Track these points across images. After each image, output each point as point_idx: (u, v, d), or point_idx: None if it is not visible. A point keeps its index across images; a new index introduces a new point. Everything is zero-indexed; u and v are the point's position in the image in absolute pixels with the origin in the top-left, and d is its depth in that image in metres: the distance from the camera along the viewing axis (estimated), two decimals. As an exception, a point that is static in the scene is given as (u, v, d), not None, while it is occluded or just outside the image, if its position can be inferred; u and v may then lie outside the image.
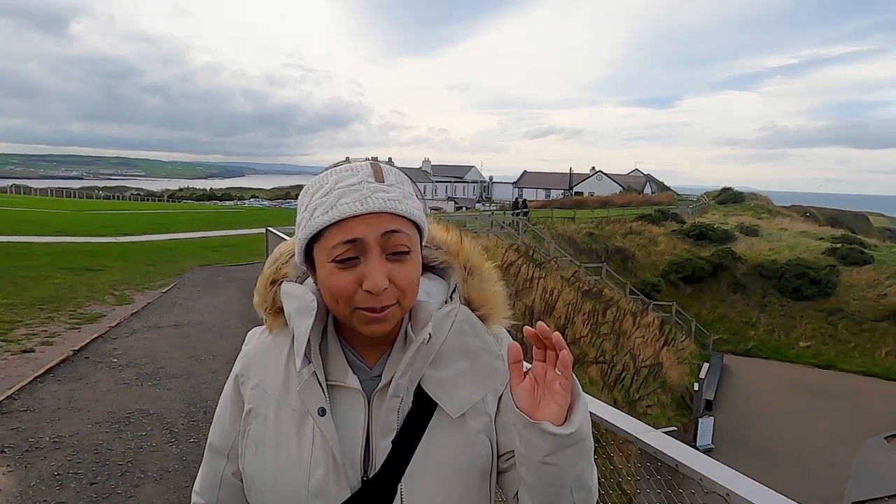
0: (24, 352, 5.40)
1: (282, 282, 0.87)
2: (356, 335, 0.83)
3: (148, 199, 59.15)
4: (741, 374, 20.46)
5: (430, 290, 0.86)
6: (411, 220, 0.77)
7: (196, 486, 0.95)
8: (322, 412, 0.78)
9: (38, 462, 3.44)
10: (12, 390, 4.37)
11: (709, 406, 17.45)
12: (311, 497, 0.77)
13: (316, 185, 0.78)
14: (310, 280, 0.84)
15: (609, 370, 13.27)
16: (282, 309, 0.85)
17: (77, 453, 3.57)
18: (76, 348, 5.55)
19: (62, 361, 5.14)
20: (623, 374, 13.69)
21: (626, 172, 76.55)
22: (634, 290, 23.85)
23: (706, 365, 18.28)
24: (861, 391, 18.88)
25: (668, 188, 72.77)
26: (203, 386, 4.95)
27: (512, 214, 28.86)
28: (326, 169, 0.80)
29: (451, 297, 0.88)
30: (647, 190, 66.06)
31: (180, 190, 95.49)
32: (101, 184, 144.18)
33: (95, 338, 6.01)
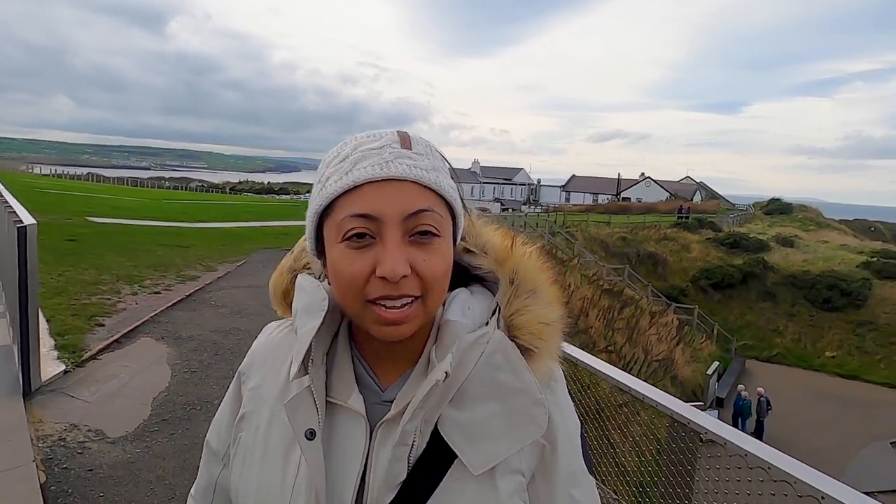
0: (155, 293, 7.85)
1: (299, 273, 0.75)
2: (372, 346, 0.68)
3: (211, 191, 62.95)
4: (760, 377, 20.78)
5: (471, 306, 0.68)
6: (442, 198, 0.62)
7: (192, 490, 0.85)
8: (311, 435, 0.62)
9: (183, 344, 5.77)
10: (156, 312, 6.76)
11: (720, 403, 18.57)
12: None
13: (333, 152, 0.64)
14: None
15: (618, 359, 14.73)
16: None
17: (203, 343, 5.89)
18: (188, 293, 7.97)
19: (180, 301, 7.52)
20: (632, 364, 15.05)
21: (677, 179, 76.12)
22: (657, 292, 24.64)
23: (715, 363, 19.32)
24: (881, 401, 18.94)
25: (717, 196, 71.57)
26: (274, 318, 7.19)
27: (677, 218, 37.20)
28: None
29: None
30: (697, 197, 64.77)
31: (240, 183, 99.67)
32: (167, 174, 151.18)
33: (197, 289, 8.39)
